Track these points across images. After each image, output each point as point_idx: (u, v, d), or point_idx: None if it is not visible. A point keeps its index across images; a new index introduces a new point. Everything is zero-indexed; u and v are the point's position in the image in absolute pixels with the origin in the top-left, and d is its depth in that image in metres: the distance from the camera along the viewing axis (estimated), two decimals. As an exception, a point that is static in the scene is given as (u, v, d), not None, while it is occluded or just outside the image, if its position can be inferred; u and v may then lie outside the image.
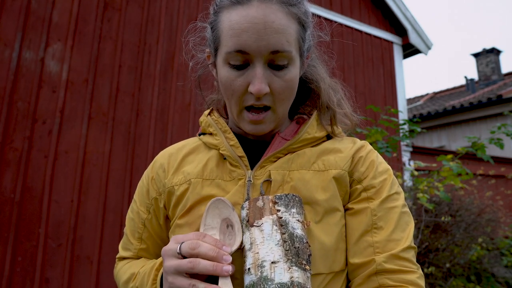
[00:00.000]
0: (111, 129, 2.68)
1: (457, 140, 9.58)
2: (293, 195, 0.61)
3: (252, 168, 0.69)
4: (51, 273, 2.33)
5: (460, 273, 4.00)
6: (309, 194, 0.65)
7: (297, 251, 0.56)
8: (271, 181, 0.67)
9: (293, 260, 0.55)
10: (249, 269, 0.56)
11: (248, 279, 0.55)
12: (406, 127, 3.34)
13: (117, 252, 2.73)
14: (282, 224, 0.57)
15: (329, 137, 0.76)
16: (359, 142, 0.75)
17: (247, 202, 0.62)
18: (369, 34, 4.46)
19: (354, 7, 4.40)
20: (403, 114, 4.44)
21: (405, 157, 4.50)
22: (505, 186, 6.22)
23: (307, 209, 0.64)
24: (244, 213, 0.61)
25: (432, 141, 10.15)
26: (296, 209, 0.60)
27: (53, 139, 2.46)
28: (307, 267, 0.56)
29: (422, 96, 14.71)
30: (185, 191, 0.70)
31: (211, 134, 0.76)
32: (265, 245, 0.56)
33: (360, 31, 4.38)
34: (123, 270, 0.77)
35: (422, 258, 3.55)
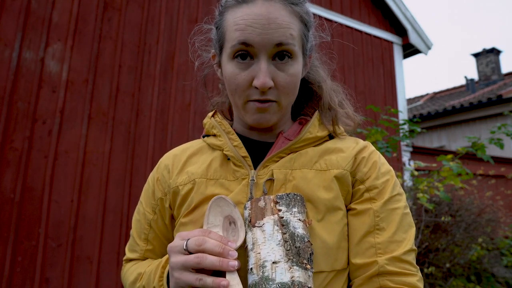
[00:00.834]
0: (111, 129, 2.68)
1: (457, 140, 9.58)
2: (295, 194, 0.62)
3: (255, 168, 0.71)
4: (51, 273, 2.33)
5: (460, 273, 4.00)
6: (311, 192, 0.66)
7: (298, 251, 0.56)
8: (273, 180, 0.68)
9: (294, 259, 0.55)
10: (251, 269, 0.57)
11: (250, 279, 0.56)
12: (406, 127, 3.34)
13: (117, 252, 2.74)
14: (283, 224, 0.58)
15: (331, 137, 0.77)
16: (361, 143, 0.75)
17: (249, 202, 0.62)
18: (369, 34, 4.46)
19: (354, 7, 4.40)
20: (403, 114, 4.44)
21: (405, 157, 4.50)
22: (505, 186, 6.22)
23: (309, 207, 0.65)
24: (246, 213, 0.62)
25: (432, 141, 10.15)
26: (298, 208, 0.60)
27: (53, 139, 2.46)
28: (308, 266, 0.56)
29: (422, 96, 14.71)
30: (190, 191, 0.72)
31: (214, 135, 0.77)
32: (267, 245, 0.57)
33: (360, 31, 4.38)
34: (130, 271, 0.78)
35: (422, 258, 3.55)
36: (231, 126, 0.81)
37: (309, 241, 0.59)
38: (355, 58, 4.18)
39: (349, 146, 0.74)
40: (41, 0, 2.56)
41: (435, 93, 14.50)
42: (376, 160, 0.72)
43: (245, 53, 0.65)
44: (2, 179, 2.28)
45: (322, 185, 0.67)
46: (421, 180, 3.15)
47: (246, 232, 0.61)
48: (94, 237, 2.49)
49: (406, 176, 4.14)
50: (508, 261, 4.71)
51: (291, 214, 0.59)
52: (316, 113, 0.76)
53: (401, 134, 3.38)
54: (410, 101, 14.58)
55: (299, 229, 0.58)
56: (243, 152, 0.71)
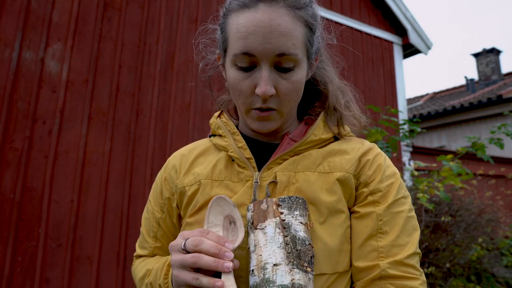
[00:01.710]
0: (111, 129, 2.68)
1: (457, 140, 9.58)
2: (297, 197, 0.62)
3: (260, 169, 0.71)
4: (51, 273, 2.33)
5: (460, 273, 4.00)
6: (314, 195, 0.66)
7: (298, 254, 0.57)
8: (277, 182, 0.68)
9: (295, 262, 0.56)
10: (252, 270, 0.58)
11: (252, 280, 0.58)
12: (406, 127, 3.34)
13: (117, 252, 2.74)
14: (284, 227, 0.59)
15: (336, 138, 0.77)
16: (367, 144, 0.75)
17: (252, 204, 0.63)
18: (369, 34, 4.46)
19: (354, 7, 4.40)
20: (403, 114, 4.44)
21: (405, 157, 4.50)
22: (505, 186, 6.22)
23: (311, 209, 0.65)
24: (249, 215, 0.63)
25: (432, 141, 10.15)
26: (299, 211, 0.61)
27: (53, 139, 2.46)
28: (309, 269, 0.57)
29: (422, 96, 14.71)
30: (196, 192, 0.73)
31: (220, 136, 0.78)
32: (268, 248, 0.58)
33: (360, 31, 4.38)
34: (139, 267, 0.80)
35: (422, 258, 3.56)
36: (237, 126, 0.81)
37: (310, 244, 0.59)
38: (355, 58, 4.18)
39: (353, 147, 0.73)
40: (41, 0, 2.56)
41: (435, 93, 14.50)
42: (381, 162, 0.72)
43: (247, 61, 0.65)
44: (2, 179, 2.28)
45: (325, 187, 0.67)
46: (421, 180, 3.15)
47: (248, 234, 0.62)
48: (94, 237, 2.49)
49: (406, 176, 4.14)
50: (508, 261, 4.71)
51: (292, 217, 0.60)
52: (321, 115, 0.76)
53: (401, 134, 3.38)
54: (410, 101, 14.58)
55: (301, 232, 0.59)
56: (248, 153, 0.72)
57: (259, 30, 0.62)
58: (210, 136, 0.81)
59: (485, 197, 5.15)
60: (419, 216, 3.46)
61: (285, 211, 0.60)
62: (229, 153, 0.73)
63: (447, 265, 3.66)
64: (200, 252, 0.58)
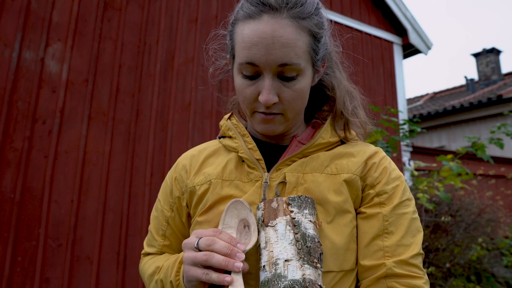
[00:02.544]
0: (111, 129, 2.68)
1: (457, 140, 9.58)
2: (306, 196, 0.64)
3: (269, 170, 0.74)
4: (51, 273, 2.33)
5: (460, 273, 4.00)
6: (322, 195, 0.69)
7: (308, 250, 0.59)
8: (286, 182, 0.71)
9: (305, 258, 0.58)
10: (264, 266, 0.60)
11: (263, 276, 0.59)
12: (406, 127, 3.34)
13: (117, 252, 2.74)
14: (295, 225, 0.61)
15: (343, 141, 0.80)
16: (372, 148, 0.78)
17: (262, 203, 0.65)
18: (369, 34, 4.46)
19: (354, 7, 4.40)
20: (403, 114, 4.44)
21: (405, 157, 4.50)
22: (505, 186, 6.22)
23: (319, 209, 0.68)
24: (259, 213, 0.65)
25: (432, 141, 10.15)
26: (309, 210, 0.63)
27: (53, 139, 2.46)
28: (318, 265, 0.59)
29: (422, 96, 14.71)
30: (206, 191, 0.75)
31: (230, 137, 0.81)
32: (279, 244, 0.60)
33: (360, 31, 4.38)
34: (148, 264, 0.82)
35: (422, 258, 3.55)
36: (246, 127, 0.84)
37: (319, 241, 0.62)
38: (355, 58, 4.18)
39: (360, 150, 0.76)
40: (41, 0, 2.56)
41: (435, 93, 14.50)
42: (387, 166, 0.74)
43: (251, 70, 0.67)
44: (2, 179, 2.28)
45: (332, 188, 0.70)
46: (421, 180, 3.15)
47: (259, 232, 0.64)
48: (94, 237, 2.49)
49: (406, 176, 4.14)
50: (508, 261, 4.71)
51: (302, 215, 0.62)
52: (329, 119, 0.78)
53: (401, 134, 3.38)
54: (410, 101, 14.57)
55: (310, 230, 0.61)
56: (257, 155, 0.74)
57: (262, 42, 0.64)
58: (219, 138, 0.84)
59: (485, 197, 5.15)
60: (419, 216, 3.46)
61: (295, 209, 0.62)
62: (239, 154, 0.76)
63: (447, 265, 3.66)
64: (212, 251, 0.60)
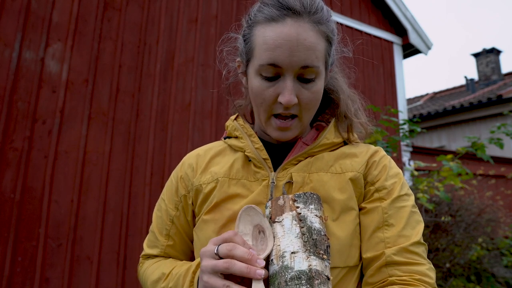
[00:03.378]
0: (111, 129, 2.68)
1: (457, 140, 9.58)
2: (311, 193, 0.66)
3: (275, 170, 0.76)
4: (51, 273, 2.33)
5: (460, 273, 4.00)
6: (327, 194, 0.71)
7: (315, 242, 0.60)
8: (292, 182, 0.73)
9: (311, 250, 0.60)
10: (272, 260, 0.61)
11: (271, 269, 0.61)
12: (406, 127, 3.34)
13: (117, 252, 2.73)
14: (301, 219, 0.62)
15: (345, 143, 0.82)
16: (373, 148, 0.80)
17: (270, 202, 0.67)
18: (369, 34, 4.46)
19: (354, 7, 4.40)
20: (403, 114, 4.44)
21: (405, 157, 4.50)
22: (505, 186, 6.22)
23: (325, 207, 0.70)
24: (267, 211, 0.67)
25: (432, 141, 10.15)
26: (314, 205, 0.65)
27: (53, 139, 2.46)
28: (325, 256, 0.60)
29: (422, 96, 14.71)
30: (212, 189, 0.76)
31: (236, 137, 0.82)
32: (286, 238, 0.61)
33: (360, 31, 4.38)
34: (151, 269, 0.81)
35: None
36: (252, 129, 0.85)
37: (325, 235, 0.63)
38: (355, 58, 4.18)
39: (362, 151, 0.79)
40: (41, 0, 2.56)
41: (435, 93, 14.49)
42: (386, 163, 0.77)
43: (272, 71, 0.69)
44: (2, 179, 2.28)
45: (338, 187, 0.72)
46: (421, 180, 3.15)
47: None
48: (94, 237, 2.49)
49: (406, 176, 4.14)
50: (508, 261, 4.71)
51: (308, 210, 0.64)
52: (333, 121, 0.81)
53: (401, 134, 3.38)
54: (410, 101, 14.57)
55: (316, 224, 0.63)
56: (264, 154, 0.76)
57: (287, 44, 0.66)
58: (225, 138, 0.85)
59: (485, 197, 5.15)
60: (419, 216, 3.46)
61: (300, 205, 0.64)
62: (246, 153, 0.77)
63: (447, 265, 3.66)
64: (233, 257, 0.59)
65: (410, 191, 0.76)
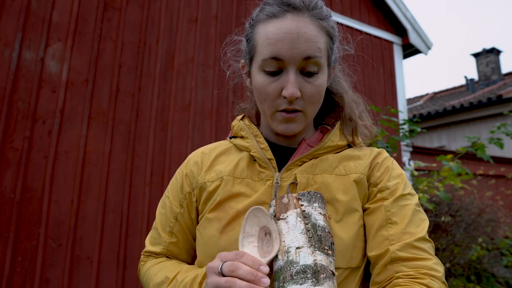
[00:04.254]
0: (111, 129, 2.68)
1: (457, 140, 9.58)
2: (315, 192, 0.67)
3: (279, 171, 0.76)
4: (51, 273, 2.33)
5: (460, 273, 4.00)
6: (331, 195, 0.71)
7: (319, 238, 0.61)
8: (297, 183, 0.73)
9: (316, 245, 0.60)
10: (276, 256, 0.61)
11: (276, 265, 0.61)
12: (406, 127, 3.34)
13: (117, 252, 2.73)
14: (305, 216, 0.63)
15: (349, 146, 0.83)
16: (376, 150, 0.82)
17: (274, 201, 0.68)
18: (369, 34, 4.46)
19: (354, 7, 4.40)
20: (403, 114, 4.44)
21: (405, 157, 4.50)
22: (505, 186, 6.22)
23: (329, 208, 0.70)
24: (271, 210, 0.67)
25: (432, 141, 10.15)
26: (318, 203, 0.65)
27: (53, 139, 2.46)
28: (330, 252, 0.61)
29: (422, 96, 14.71)
30: (217, 188, 0.77)
31: (242, 137, 0.83)
32: (290, 234, 0.61)
33: (360, 31, 4.38)
34: (153, 270, 0.81)
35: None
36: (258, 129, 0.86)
37: (329, 232, 0.63)
38: (355, 58, 4.18)
39: (365, 154, 0.79)
40: (41, 0, 2.56)
41: (435, 93, 14.49)
42: (389, 165, 0.78)
43: (275, 66, 0.70)
44: (2, 179, 2.28)
45: (342, 188, 0.73)
46: (421, 180, 3.15)
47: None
48: (94, 237, 2.49)
49: (406, 176, 4.14)
50: (508, 261, 4.71)
51: (312, 208, 0.64)
52: (338, 124, 0.82)
53: (401, 134, 3.38)
54: (410, 101, 14.57)
55: (320, 221, 0.63)
56: (269, 154, 0.77)
57: (288, 37, 0.68)
58: (230, 138, 0.86)
59: (485, 197, 5.15)
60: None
61: (305, 203, 0.64)
62: (251, 153, 0.78)
63: (447, 265, 3.66)
64: (236, 277, 0.58)
65: (413, 191, 0.76)
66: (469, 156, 5.13)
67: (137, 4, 2.95)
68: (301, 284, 0.56)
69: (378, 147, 2.71)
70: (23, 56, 2.45)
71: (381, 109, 4.00)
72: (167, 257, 0.85)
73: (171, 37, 3.06)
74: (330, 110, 0.88)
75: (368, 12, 4.52)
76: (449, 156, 2.95)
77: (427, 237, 0.69)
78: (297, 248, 0.59)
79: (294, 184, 0.73)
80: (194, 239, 0.83)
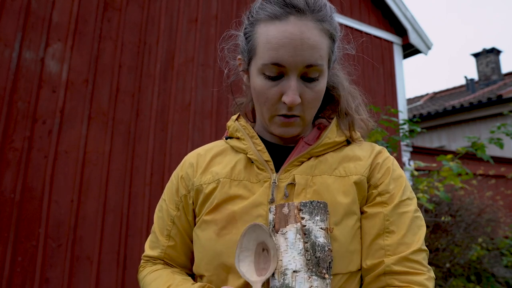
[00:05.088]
0: (111, 129, 2.68)
1: (457, 140, 9.58)
2: (318, 202, 0.65)
3: (277, 171, 0.75)
4: (51, 273, 2.33)
5: (460, 273, 4.00)
6: (331, 197, 0.70)
7: (318, 261, 0.60)
8: (295, 184, 0.71)
9: (313, 270, 0.59)
10: (273, 274, 0.61)
11: (272, 283, 0.61)
12: (406, 127, 3.34)
13: (117, 252, 2.73)
14: (305, 233, 0.61)
15: (348, 141, 0.81)
16: (377, 149, 0.79)
17: (274, 206, 0.66)
18: (369, 34, 4.46)
19: (354, 7, 4.40)
20: (403, 114, 4.44)
21: (405, 157, 4.50)
22: (505, 186, 6.22)
23: (329, 210, 0.68)
24: (271, 217, 0.66)
25: (432, 141, 10.15)
26: (320, 216, 0.63)
27: (53, 139, 2.46)
28: (327, 275, 0.60)
29: (422, 96, 14.71)
30: (213, 190, 0.75)
31: (238, 138, 0.81)
32: (289, 253, 0.60)
33: (360, 31, 4.38)
34: (148, 279, 0.80)
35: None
36: (254, 128, 0.85)
37: (329, 249, 0.62)
38: (355, 58, 4.18)
39: (365, 153, 0.77)
40: (41, 0, 2.56)
41: (435, 93, 14.49)
42: (390, 166, 0.76)
43: (276, 71, 0.68)
44: (2, 179, 2.28)
45: (342, 190, 0.71)
46: (421, 180, 3.15)
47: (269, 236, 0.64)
48: (94, 237, 2.49)
49: (406, 176, 4.13)
50: (508, 261, 4.71)
51: (313, 222, 0.62)
52: (335, 120, 0.80)
53: (401, 134, 3.38)
54: (410, 101, 14.57)
55: (321, 238, 0.61)
56: (266, 156, 0.75)
57: (290, 43, 0.65)
58: (226, 138, 0.84)
59: (485, 197, 5.16)
60: (419, 216, 3.46)
61: (306, 216, 0.62)
62: (248, 156, 0.76)
63: (447, 265, 3.66)
64: None
65: (412, 194, 0.75)
66: (469, 156, 5.13)
67: (137, 4, 2.94)
68: None
69: (378, 147, 2.71)
70: (23, 56, 2.45)
71: (381, 109, 4.00)
72: (165, 262, 0.84)
73: (171, 37, 3.06)
74: (327, 104, 0.86)
75: (368, 12, 4.52)
76: (449, 156, 2.95)
77: (423, 246, 0.68)
78: (294, 271, 0.58)
79: (292, 184, 0.72)
80: (192, 242, 0.83)
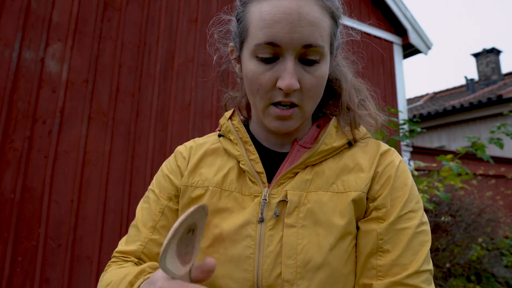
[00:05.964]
0: (111, 129, 2.68)
1: (457, 140, 9.58)
2: None
3: (270, 181, 0.67)
4: (51, 273, 2.33)
5: (460, 273, 4.00)
6: (326, 217, 0.63)
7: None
8: (287, 201, 0.64)
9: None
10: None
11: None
12: (406, 127, 3.34)
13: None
14: None
15: (350, 143, 0.72)
16: (381, 151, 0.70)
17: None
18: (369, 34, 4.46)
19: (354, 7, 4.40)
20: (403, 114, 4.44)
21: (405, 157, 4.50)
22: (505, 186, 6.22)
23: (322, 233, 0.62)
24: None
25: (432, 141, 10.15)
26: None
27: (53, 139, 2.46)
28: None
29: (422, 96, 14.71)
30: (201, 196, 0.69)
31: (231, 140, 0.73)
32: None
33: (360, 31, 4.38)
34: (107, 277, 0.67)
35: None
36: (247, 124, 0.78)
37: None
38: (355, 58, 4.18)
39: (368, 161, 0.68)
40: (41, 0, 2.56)
41: (435, 93, 14.50)
42: (391, 174, 0.66)
43: (270, 52, 0.60)
44: (2, 179, 2.28)
45: (338, 209, 0.63)
46: (421, 180, 3.15)
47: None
48: (94, 237, 2.49)
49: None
50: (508, 261, 4.71)
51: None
52: (333, 120, 0.71)
53: (401, 134, 3.38)
54: (410, 101, 14.57)
55: None
56: (259, 167, 0.67)
57: (287, 18, 0.57)
58: (219, 136, 0.76)
59: (485, 197, 5.16)
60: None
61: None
62: (240, 165, 0.69)
63: (447, 265, 3.66)
64: None
65: (417, 206, 0.65)
66: (469, 156, 5.13)
67: (137, 4, 2.94)
68: None
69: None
70: (23, 56, 2.45)
71: (381, 109, 4.00)
72: (140, 260, 0.71)
73: (171, 37, 3.06)
74: (329, 99, 0.77)
75: (368, 12, 4.52)
76: (449, 156, 2.95)
77: (426, 265, 0.60)
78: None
79: (284, 202, 0.64)
80: None
